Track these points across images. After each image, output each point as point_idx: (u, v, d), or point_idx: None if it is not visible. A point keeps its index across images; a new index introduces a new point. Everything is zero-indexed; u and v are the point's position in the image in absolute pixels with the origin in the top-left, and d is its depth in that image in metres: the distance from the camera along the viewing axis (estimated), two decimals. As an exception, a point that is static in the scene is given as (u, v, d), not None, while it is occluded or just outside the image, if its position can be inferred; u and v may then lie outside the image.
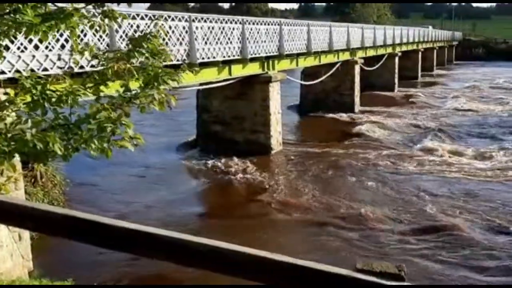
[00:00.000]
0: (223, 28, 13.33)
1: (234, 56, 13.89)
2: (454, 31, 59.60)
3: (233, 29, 13.79)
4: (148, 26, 8.59)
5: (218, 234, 9.34)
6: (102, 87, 3.42)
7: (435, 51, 46.88)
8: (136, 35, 3.80)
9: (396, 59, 31.96)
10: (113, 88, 3.48)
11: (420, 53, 39.72)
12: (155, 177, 13.71)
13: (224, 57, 13.45)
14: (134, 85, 3.54)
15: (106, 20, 3.71)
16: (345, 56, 23.06)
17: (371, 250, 8.59)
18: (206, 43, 12.64)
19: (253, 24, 14.75)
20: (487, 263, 7.98)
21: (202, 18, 12.53)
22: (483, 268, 7.85)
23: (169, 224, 9.18)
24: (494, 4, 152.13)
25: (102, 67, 3.52)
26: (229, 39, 13.56)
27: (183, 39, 11.79)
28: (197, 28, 12.28)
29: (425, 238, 9.08)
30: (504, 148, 15.88)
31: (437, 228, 9.51)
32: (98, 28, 3.68)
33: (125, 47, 3.82)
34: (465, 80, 38.38)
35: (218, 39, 13.15)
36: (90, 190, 12.44)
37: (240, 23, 14.08)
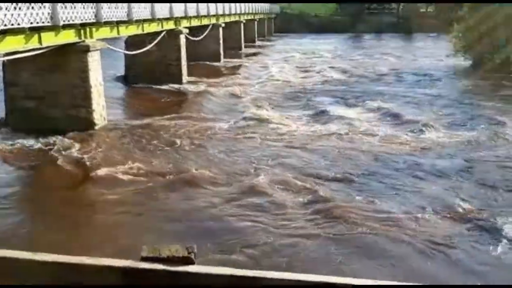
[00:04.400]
0: (28, -10, 11.82)
1: (43, 22, 12.46)
2: (271, 4, 63.03)
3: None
4: None
5: (35, 222, 8.54)
6: None
7: (256, 23, 49.11)
8: None
9: (220, 30, 32.61)
10: None
11: (242, 24, 41.19)
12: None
13: (31, 23, 11.97)
14: None
15: None
16: (170, 25, 22.65)
17: (193, 217, 8.89)
18: (7, 8, 11.05)
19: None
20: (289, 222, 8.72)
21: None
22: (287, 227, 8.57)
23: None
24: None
25: None
26: (36, 2, 12.09)
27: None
28: (-7, -11, 10.65)
29: (242, 199, 9.60)
30: (318, 114, 17.41)
31: (252, 190, 10.03)
32: None
33: None
34: (285, 51, 41.16)
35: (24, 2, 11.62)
36: None
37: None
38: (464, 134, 14.37)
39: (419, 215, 8.77)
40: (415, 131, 14.68)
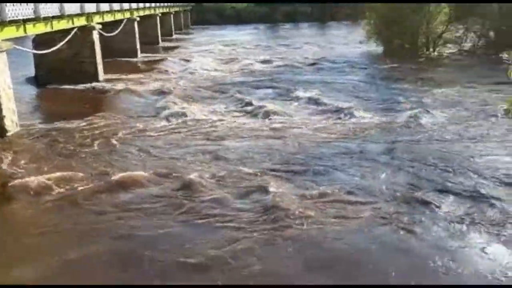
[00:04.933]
0: None
1: None
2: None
3: None
4: None
5: None
6: None
7: (171, 16, 48.05)
8: None
9: (136, 24, 31.45)
10: None
11: (158, 18, 40.07)
12: None
13: None
14: None
15: None
16: (81, 21, 21.36)
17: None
18: None
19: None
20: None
21: None
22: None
23: None
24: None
25: None
26: None
27: None
28: None
29: (180, 201, 9.25)
30: (246, 106, 17.11)
31: (189, 189, 9.69)
32: None
33: None
34: (205, 43, 40.60)
35: None
36: None
37: None
38: (389, 118, 14.89)
39: (358, 197, 9.06)
40: (343, 117, 14.99)
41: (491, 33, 29.79)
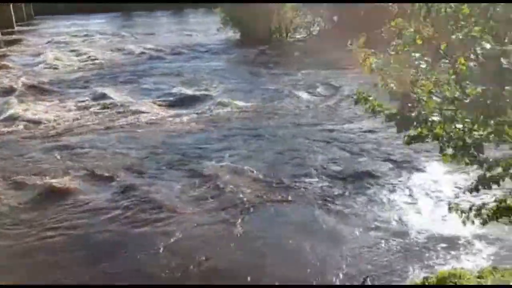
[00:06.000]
0: None
1: None
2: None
3: None
4: None
5: None
6: None
7: (11, 6, 43.44)
8: None
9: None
10: None
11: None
12: None
13: None
14: None
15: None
16: None
17: None
18: None
19: None
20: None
21: None
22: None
23: None
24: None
25: None
26: None
27: None
28: None
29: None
30: (100, 100, 16.22)
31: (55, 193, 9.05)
32: None
33: None
34: (53, 35, 37.21)
35: None
36: None
37: None
38: (252, 104, 15.18)
39: (227, 185, 9.15)
40: (207, 106, 14.90)
41: (335, 18, 31.99)
